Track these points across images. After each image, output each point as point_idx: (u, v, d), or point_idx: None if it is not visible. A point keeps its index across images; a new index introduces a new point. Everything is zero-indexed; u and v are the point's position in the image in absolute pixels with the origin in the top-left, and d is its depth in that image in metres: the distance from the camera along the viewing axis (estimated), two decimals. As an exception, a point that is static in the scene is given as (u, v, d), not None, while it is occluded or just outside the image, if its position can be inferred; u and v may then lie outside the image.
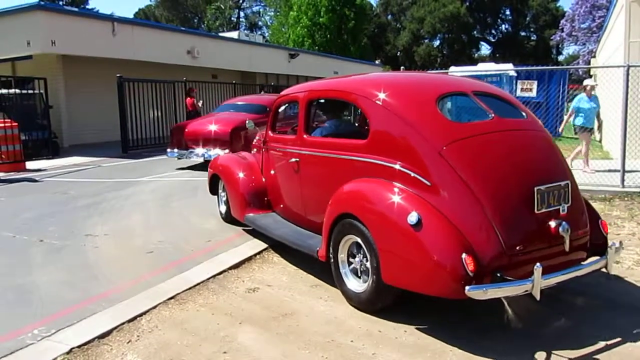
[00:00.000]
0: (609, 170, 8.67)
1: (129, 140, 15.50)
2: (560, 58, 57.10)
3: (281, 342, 3.51)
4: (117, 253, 5.56)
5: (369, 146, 4.07)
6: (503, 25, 63.19)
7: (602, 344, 3.39)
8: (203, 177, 9.67)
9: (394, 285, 3.63)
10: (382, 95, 4.07)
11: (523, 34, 61.26)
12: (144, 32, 19.24)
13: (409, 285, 3.58)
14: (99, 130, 17.73)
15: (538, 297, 3.28)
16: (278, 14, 52.17)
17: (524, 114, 4.26)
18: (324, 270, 4.57)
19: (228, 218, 6.38)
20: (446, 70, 16.27)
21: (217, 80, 20.91)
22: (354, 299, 4.01)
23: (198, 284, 4.52)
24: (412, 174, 3.68)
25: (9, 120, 12.40)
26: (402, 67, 11.08)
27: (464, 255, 3.25)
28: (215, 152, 10.32)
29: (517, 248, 3.41)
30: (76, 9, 17.79)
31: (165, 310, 4.03)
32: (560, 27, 34.65)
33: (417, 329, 3.61)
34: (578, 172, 8.44)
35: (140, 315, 3.92)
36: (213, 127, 11.08)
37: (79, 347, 3.45)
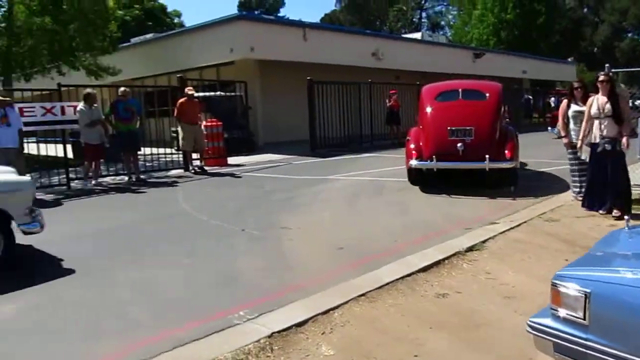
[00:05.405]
0: None
1: (317, 139, 16.25)
2: None
3: (473, 353, 3.37)
4: (310, 246, 5.87)
5: None
6: None
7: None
8: (386, 177, 9.85)
9: None
10: None
11: None
12: (332, 37, 20.09)
13: None
14: (290, 130, 18.82)
15: (435, 170, 8.40)
16: (461, 12, 50.78)
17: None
18: (518, 283, 4.56)
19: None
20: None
21: (400, 82, 20.99)
22: None
23: (387, 283, 4.53)
24: None
25: (215, 119, 13.83)
26: (606, 65, 9.83)
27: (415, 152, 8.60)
28: None
29: (438, 151, 8.14)
30: (272, 17, 19.13)
31: (357, 307, 4.12)
32: None
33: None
34: None
35: (333, 309, 4.05)
36: None
37: (279, 332, 3.67)
